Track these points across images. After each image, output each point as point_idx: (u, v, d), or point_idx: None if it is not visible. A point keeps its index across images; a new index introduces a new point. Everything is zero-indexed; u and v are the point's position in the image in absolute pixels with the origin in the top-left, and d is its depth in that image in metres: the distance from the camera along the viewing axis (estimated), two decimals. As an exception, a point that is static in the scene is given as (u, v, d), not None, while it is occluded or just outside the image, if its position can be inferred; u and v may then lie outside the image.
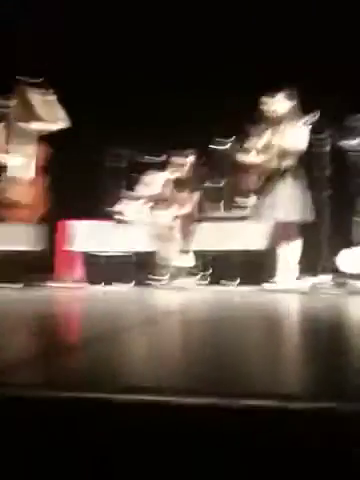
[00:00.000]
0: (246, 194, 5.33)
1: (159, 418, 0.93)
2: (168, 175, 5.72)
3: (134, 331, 1.99)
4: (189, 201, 5.68)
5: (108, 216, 5.53)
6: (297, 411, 0.86)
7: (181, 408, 0.92)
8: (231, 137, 5.44)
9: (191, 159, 5.67)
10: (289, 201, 4.59)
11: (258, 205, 4.88)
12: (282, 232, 4.73)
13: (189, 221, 5.63)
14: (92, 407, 0.95)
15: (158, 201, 5.70)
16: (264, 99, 4.70)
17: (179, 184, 5.72)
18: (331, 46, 5.59)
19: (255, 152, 4.82)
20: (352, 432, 0.81)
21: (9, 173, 5.26)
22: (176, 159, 5.67)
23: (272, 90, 4.81)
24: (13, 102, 5.32)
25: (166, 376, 1.15)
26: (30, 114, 5.30)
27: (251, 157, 4.84)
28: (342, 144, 4.46)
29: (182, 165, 5.66)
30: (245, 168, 4.97)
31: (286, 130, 4.65)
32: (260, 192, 4.86)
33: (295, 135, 4.59)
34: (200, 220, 5.59)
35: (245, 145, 4.87)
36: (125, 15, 6.25)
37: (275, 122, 4.73)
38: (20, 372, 1.16)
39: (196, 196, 5.71)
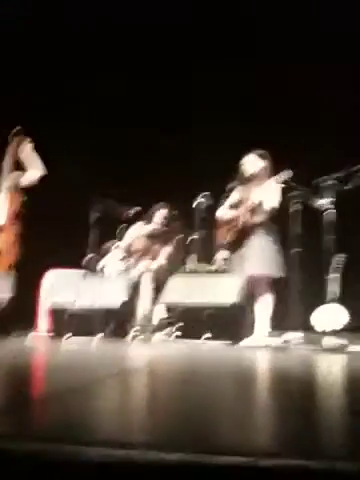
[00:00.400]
0: (219, 248, 5.39)
1: (126, 473, 0.91)
2: (141, 227, 5.76)
3: (103, 384, 1.95)
4: (162, 253, 5.71)
5: (83, 266, 5.51)
6: (266, 468, 0.85)
7: (149, 464, 0.91)
8: (205, 192, 5.55)
9: (163, 212, 5.74)
10: (261, 256, 4.67)
11: (230, 259, 4.94)
12: (254, 287, 4.78)
13: (161, 273, 5.63)
14: (60, 459, 0.93)
15: (131, 252, 5.71)
16: (243, 159, 4.88)
17: (152, 236, 5.75)
18: (302, 109, 5.83)
19: (227, 207, 4.95)
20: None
21: None
22: (150, 211, 5.74)
23: (246, 150, 4.99)
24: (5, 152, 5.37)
25: (134, 430, 1.13)
26: (15, 165, 5.36)
27: (223, 212, 4.95)
28: (313, 203, 4.59)
29: (155, 217, 5.73)
30: (219, 223, 5.07)
31: (258, 187, 4.79)
32: (232, 247, 4.93)
33: (267, 192, 4.74)
34: (172, 273, 5.59)
35: (221, 202, 5.01)
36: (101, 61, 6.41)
37: (248, 180, 4.89)
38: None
39: (169, 248, 5.75)
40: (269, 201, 4.72)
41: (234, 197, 4.97)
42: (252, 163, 4.87)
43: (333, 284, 4.77)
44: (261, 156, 4.88)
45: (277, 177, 4.62)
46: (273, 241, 4.76)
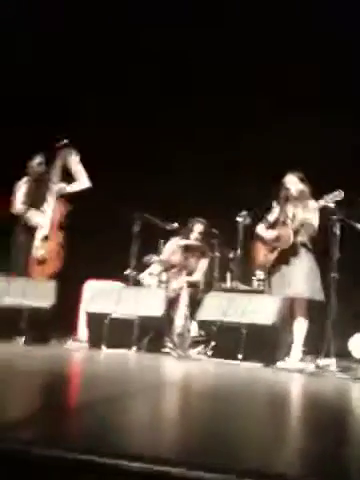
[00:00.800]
0: (258, 267, 5.38)
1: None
2: (178, 241, 5.81)
3: (136, 398, 1.99)
4: (198, 268, 5.74)
5: (124, 279, 5.59)
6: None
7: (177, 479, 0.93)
8: (246, 209, 5.56)
9: (200, 226, 5.78)
10: (303, 278, 4.65)
11: (270, 279, 4.92)
12: (293, 309, 4.75)
13: (196, 289, 5.65)
14: (89, 469, 0.97)
15: (168, 267, 5.77)
16: (284, 179, 4.90)
17: (188, 250, 5.80)
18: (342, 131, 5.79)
19: (266, 226, 4.95)
20: None
21: (37, 230, 5.46)
22: (187, 226, 5.79)
23: (284, 169, 5.02)
24: (54, 163, 5.57)
25: (164, 446, 1.16)
26: (64, 175, 5.56)
27: (262, 230, 4.95)
28: (356, 225, 4.53)
29: (192, 232, 5.77)
30: (256, 241, 5.07)
31: (301, 208, 4.79)
32: (271, 266, 4.92)
33: (310, 214, 4.73)
34: (208, 290, 5.60)
35: (263, 220, 5.01)
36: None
37: (288, 200, 4.89)
38: (22, 429, 1.18)
39: (205, 264, 5.77)
40: (312, 223, 4.71)
41: (273, 216, 4.97)
42: (293, 184, 4.88)
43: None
44: (301, 178, 4.89)
45: (328, 198, 4.59)
46: (314, 264, 4.73)
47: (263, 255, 4.97)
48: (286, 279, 4.73)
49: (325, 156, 5.70)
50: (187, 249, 5.79)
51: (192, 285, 5.58)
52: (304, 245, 4.78)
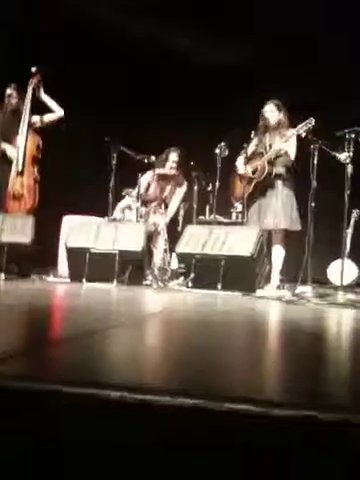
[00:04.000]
0: (236, 200, 5.38)
1: (141, 417, 0.95)
2: (153, 173, 5.74)
3: (120, 329, 2.01)
4: (173, 198, 5.69)
5: (102, 213, 5.56)
6: (278, 417, 0.88)
7: (163, 408, 0.94)
8: (224, 140, 5.48)
9: (175, 155, 5.69)
10: (279, 209, 4.68)
11: (248, 210, 4.95)
12: (270, 239, 4.82)
13: (175, 222, 5.66)
14: (74, 401, 0.97)
15: (146, 201, 5.71)
16: (263, 109, 4.82)
17: (163, 180, 5.73)
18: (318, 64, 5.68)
19: (245, 158, 4.92)
20: (331, 441, 0.84)
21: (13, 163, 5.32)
22: (161, 156, 5.70)
23: (263, 99, 4.93)
24: (23, 93, 5.35)
25: (148, 375, 1.17)
26: (34, 105, 5.36)
27: (242, 163, 4.92)
28: (337, 156, 4.53)
29: (167, 161, 5.69)
30: (236, 173, 5.04)
31: (278, 138, 4.74)
32: (250, 198, 4.92)
33: (287, 144, 4.70)
34: (187, 222, 5.61)
35: (242, 151, 4.97)
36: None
37: (266, 131, 4.84)
38: (6, 363, 1.17)
39: (181, 193, 5.73)
40: (289, 153, 4.68)
41: (252, 148, 4.94)
42: (270, 113, 4.81)
43: (348, 239, 4.78)
44: (278, 106, 4.82)
45: (300, 127, 4.54)
46: (291, 194, 4.76)
47: (240, 187, 4.98)
48: (263, 210, 4.76)
49: (306, 84, 5.60)
50: (162, 179, 5.72)
51: (171, 215, 5.58)
52: (280, 175, 4.78)
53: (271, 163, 4.77)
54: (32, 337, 1.71)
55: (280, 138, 4.74)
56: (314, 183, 4.63)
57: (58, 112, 5.39)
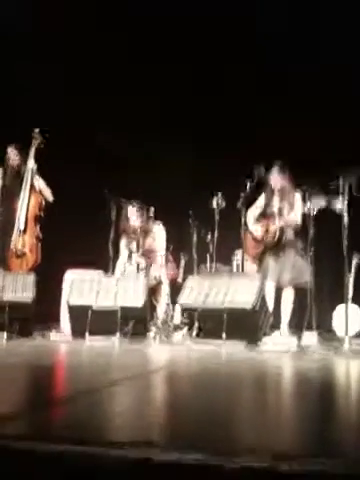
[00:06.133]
0: (249, 256, 5.45)
1: (146, 474, 0.94)
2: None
3: (122, 385, 1.99)
4: (156, 247, 5.65)
5: (102, 268, 5.56)
6: (287, 473, 0.87)
7: (169, 465, 0.93)
8: (217, 193, 5.58)
9: (132, 209, 5.61)
10: (295, 267, 4.85)
11: (264, 265, 5.03)
12: (282, 292, 4.92)
13: (177, 274, 5.65)
14: (79, 460, 0.96)
15: (144, 252, 5.69)
16: (269, 175, 5.03)
17: (135, 233, 5.70)
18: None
19: (256, 214, 5.10)
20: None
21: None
22: (122, 213, 5.67)
23: (253, 151, 5.12)
24: (24, 153, 5.48)
25: (153, 432, 1.16)
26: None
27: (254, 226, 5.09)
28: (334, 207, 4.63)
29: (128, 219, 5.63)
30: (248, 233, 5.20)
31: (286, 203, 4.97)
32: (261, 258, 5.07)
33: (295, 209, 4.92)
34: (187, 276, 5.60)
35: (253, 208, 5.14)
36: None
37: (273, 192, 5.04)
38: (9, 423, 1.16)
39: (159, 238, 5.68)
40: (296, 221, 4.90)
41: (257, 209, 5.12)
42: (276, 177, 5.03)
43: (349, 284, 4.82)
44: (282, 169, 5.03)
45: (310, 206, 4.75)
46: (301, 249, 4.94)
47: (253, 246, 5.15)
48: (278, 267, 4.91)
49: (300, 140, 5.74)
50: (134, 233, 5.69)
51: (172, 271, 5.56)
52: (290, 239, 4.97)
53: (282, 230, 4.99)
54: (34, 397, 1.70)
55: (288, 202, 4.96)
56: (313, 233, 4.79)
57: (49, 197, 5.51)
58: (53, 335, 5.20)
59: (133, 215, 5.59)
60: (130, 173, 6.22)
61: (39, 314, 5.08)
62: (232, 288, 4.83)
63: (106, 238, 5.59)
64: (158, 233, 5.65)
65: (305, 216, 4.90)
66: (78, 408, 1.45)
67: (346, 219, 4.40)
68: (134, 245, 5.61)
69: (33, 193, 5.53)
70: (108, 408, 1.47)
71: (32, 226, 5.50)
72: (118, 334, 4.88)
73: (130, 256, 5.69)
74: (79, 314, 4.98)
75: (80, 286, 5.30)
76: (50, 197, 5.54)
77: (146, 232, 5.61)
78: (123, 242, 5.64)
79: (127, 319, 4.96)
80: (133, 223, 5.59)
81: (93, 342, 4.76)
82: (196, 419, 1.32)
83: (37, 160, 5.53)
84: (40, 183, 5.52)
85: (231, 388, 2.03)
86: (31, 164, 5.49)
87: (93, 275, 5.60)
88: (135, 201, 5.59)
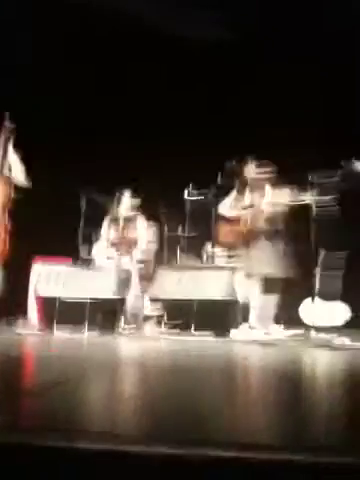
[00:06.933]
0: (222, 248, 5.46)
1: (117, 466, 0.93)
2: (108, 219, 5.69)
3: (93, 376, 1.98)
4: (138, 238, 5.61)
5: (74, 259, 5.50)
6: (253, 461, 0.88)
7: (141, 457, 0.93)
8: (192, 186, 5.58)
9: (127, 197, 5.63)
10: (273, 259, 4.87)
11: (244, 258, 5.05)
12: (255, 285, 4.94)
13: (148, 266, 5.62)
14: (50, 454, 0.95)
15: (112, 244, 5.65)
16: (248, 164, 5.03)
17: (125, 221, 5.67)
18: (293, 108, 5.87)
19: (229, 206, 5.09)
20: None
21: None
22: (114, 200, 5.65)
23: (233, 144, 5.11)
24: None
25: (126, 424, 1.16)
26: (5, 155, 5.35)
27: (227, 210, 5.07)
28: (318, 200, 4.69)
29: (120, 204, 5.63)
30: (221, 220, 5.19)
31: (263, 194, 4.98)
32: (234, 249, 5.08)
33: (266, 200, 4.93)
34: (158, 267, 5.59)
35: (226, 200, 5.13)
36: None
37: (246, 186, 5.06)
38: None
39: (142, 230, 5.65)
40: (275, 211, 4.90)
41: (233, 197, 5.11)
42: (251, 171, 5.04)
43: (323, 280, 4.90)
44: (260, 165, 5.05)
45: (298, 197, 4.77)
46: (280, 243, 4.96)
47: (226, 234, 5.13)
48: (257, 259, 4.92)
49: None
50: (124, 221, 5.67)
51: (146, 263, 5.52)
52: (264, 230, 4.99)
53: (255, 220, 4.99)
54: (3, 389, 1.67)
55: (259, 194, 4.98)
56: (293, 227, 4.86)
57: (23, 181, 5.38)
58: (20, 326, 5.14)
59: (125, 203, 5.57)
60: (98, 162, 6.15)
61: (7, 306, 5.01)
62: (202, 279, 4.85)
63: (75, 228, 5.54)
64: (141, 223, 5.62)
65: (278, 208, 4.92)
66: (45, 399, 1.43)
67: (314, 210, 4.48)
68: (112, 233, 5.57)
69: (2, 183, 5.41)
70: (75, 399, 1.46)
71: (1, 217, 5.39)
72: (87, 326, 4.86)
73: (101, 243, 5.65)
74: (47, 305, 4.94)
75: (48, 277, 5.25)
76: (22, 178, 5.35)
77: (131, 222, 5.59)
78: (105, 227, 5.59)
79: (97, 311, 4.94)
80: (122, 211, 5.56)
81: (61, 333, 4.73)
82: (164, 410, 1.32)
83: (7, 148, 5.41)
84: (13, 160, 5.33)
85: (199, 379, 2.04)
86: (0, 152, 5.37)
87: (62, 266, 5.56)
88: (127, 190, 5.58)
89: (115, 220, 5.59)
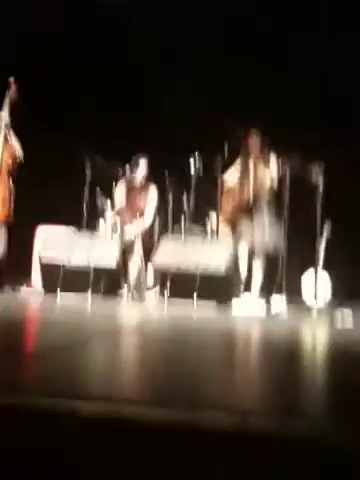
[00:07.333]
0: (224, 219, 5.45)
1: (116, 427, 0.95)
2: (123, 183, 5.66)
3: (95, 342, 2.00)
4: (147, 206, 5.59)
5: (78, 224, 5.50)
6: (251, 428, 0.89)
7: (137, 419, 0.95)
8: (195, 152, 5.54)
9: (144, 161, 5.60)
10: (268, 231, 4.88)
11: (238, 229, 5.05)
12: (254, 255, 4.95)
13: (151, 235, 5.62)
14: (51, 413, 0.97)
15: (121, 211, 5.63)
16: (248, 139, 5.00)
17: (134, 190, 5.64)
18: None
19: (233, 175, 5.10)
20: (303, 449, 0.86)
21: None
22: (130, 165, 5.61)
23: (235, 113, 5.09)
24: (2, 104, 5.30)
25: (124, 387, 1.17)
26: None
27: (231, 179, 5.08)
28: (311, 177, 4.67)
29: (137, 168, 5.59)
30: (223, 188, 5.17)
31: (262, 166, 4.96)
32: (234, 220, 5.08)
33: (270, 172, 4.92)
34: (162, 236, 5.59)
35: (230, 170, 5.12)
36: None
37: (248, 156, 5.03)
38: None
39: (153, 199, 5.62)
40: (273, 182, 4.91)
41: (233, 173, 5.11)
42: (253, 141, 5.02)
43: (320, 251, 4.93)
44: (260, 133, 5.03)
45: (285, 168, 4.74)
46: (275, 215, 4.97)
47: (228, 205, 5.15)
48: (252, 230, 4.93)
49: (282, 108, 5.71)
50: (133, 188, 5.64)
51: (146, 228, 5.52)
52: (268, 199, 4.99)
53: (255, 192, 4.99)
54: (5, 351, 1.70)
55: (263, 165, 4.96)
56: (287, 200, 4.84)
57: (19, 153, 5.33)
58: (24, 290, 5.18)
59: (142, 168, 5.53)
60: (101, 129, 6.09)
61: (10, 269, 5.04)
62: (205, 251, 4.86)
63: (80, 197, 5.52)
64: (153, 194, 5.59)
65: (281, 181, 4.93)
66: (49, 362, 1.45)
67: (321, 189, 4.50)
68: (123, 198, 5.56)
69: (6, 145, 5.38)
70: (77, 365, 1.48)
71: (5, 179, 5.36)
72: (90, 292, 4.89)
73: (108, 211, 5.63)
74: (51, 270, 4.97)
75: (52, 242, 5.26)
76: (20, 154, 5.36)
77: (143, 190, 5.56)
78: (119, 194, 5.58)
79: (100, 278, 4.97)
80: (138, 176, 5.53)
81: (65, 299, 4.77)
82: (165, 376, 1.34)
83: (11, 113, 5.36)
84: (12, 139, 5.34)
85: (200, 347, 2.07)
86: (5, 115, 5.32)
87: (66, 231, 5.56)
88: (144, 156, 5.54)
89: (130, 186, 5.57)
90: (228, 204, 5.19)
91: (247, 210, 5.04)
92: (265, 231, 4.96)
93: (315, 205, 4.62)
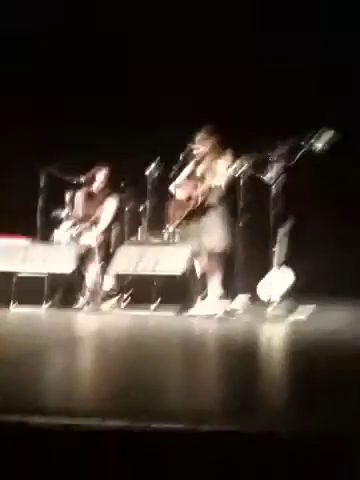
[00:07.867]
0: (170, 220, 5.43)
1: (69, 440, 0.94)
2: (81, 192, 5.64)
3: (50, 352, 1.97)
4: (103, 213, 5.58)
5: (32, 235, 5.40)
6: (206, 433, 0.90)
7: (91, 431, 0.94)
8: (155, 160, 5.53)
9: (102, 173, 5.62)
10: (220, 232, 4.87)
11: (186, 231, 5.05)
12: (208, 259, 4.95)
13: (108, 243, 5.59)
14: (4, 430, 0.95)
15: (77, 221, 5.60)
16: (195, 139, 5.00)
17: (91, 199, 5.64)
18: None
19: (181, 182, 5.08)
20: (255, 452, 0.86)
21: None
22: (89, 175, 5.62)
23: (195, 120, 5.07)
24: None
25: (77, 399, 1.16)
26: None
27: (178, 188, 5.07)
28: (263, 176, 4.71)
29: (94, 181, 5.60)
30: (173, 197, 5.18)
31: (212, 168, 4.96)
32: (183, 224, 5.08)
33: (221, 175, 4.92)
34: (120, 243, 5.56)
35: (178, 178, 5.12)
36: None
37: (199, 157, 5.03)
38: None
39: (110, 207, 5.61)
40: (220, 185, 4.89)
41: (187, 172, 5.09)
42: (202, 142, 4.99)
43: (280, 249, 4.96)
44: (209, 132, 4.99)
45: (233, 168, 4.74)
46: (224, 216, 4.95)
47: (174, 213, 5.13)
48: (200, 233, 4.92)
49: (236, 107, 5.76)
50: (91, 198, 5.64)
51: (103, 235, 5.49)
52: (212, 204, 4.98)
53: (204, 194, 4.99)
54: None
55: (212, 168, 4.97)
56: (242, 202, 4.82)
57: None
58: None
59: (102, 179, 5.53)
60: (57, 139, 6.03)
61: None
62: (162, 257, 4.86)
63: (34, 207, 5.44)
64: (110, 203, 5.59)
65: (234, 181, 4.91)
66: (2, 374, 1.42)
67: (274, 190, 4.52)
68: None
69: None
70: (32, 376, 1.45)
71: None
72: (46, 302, 4.81)
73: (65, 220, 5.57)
74: (4, 281, 4.86)
75: (4, 253, 5.14)
76: None
77: (103, 198, 5.57)
78: (78, 203, 5.55)
79: (56, 287, 4.89)
80: (98, 186, 5.52)
81: (19, 310, 4.67)
82: (120, 386, 1.33)
83: None
84: None
85: (156, 355, 2.06)
86: None
87: (18, 242, 5.45)
88: (104, 167, 5.53)
89: (89, 196, 5.57)
90: (174, 211, 5.17)
91: (194, 212, 5.01)
92: (214, 232, 4.94)
93: (275, 203, 4.64)
